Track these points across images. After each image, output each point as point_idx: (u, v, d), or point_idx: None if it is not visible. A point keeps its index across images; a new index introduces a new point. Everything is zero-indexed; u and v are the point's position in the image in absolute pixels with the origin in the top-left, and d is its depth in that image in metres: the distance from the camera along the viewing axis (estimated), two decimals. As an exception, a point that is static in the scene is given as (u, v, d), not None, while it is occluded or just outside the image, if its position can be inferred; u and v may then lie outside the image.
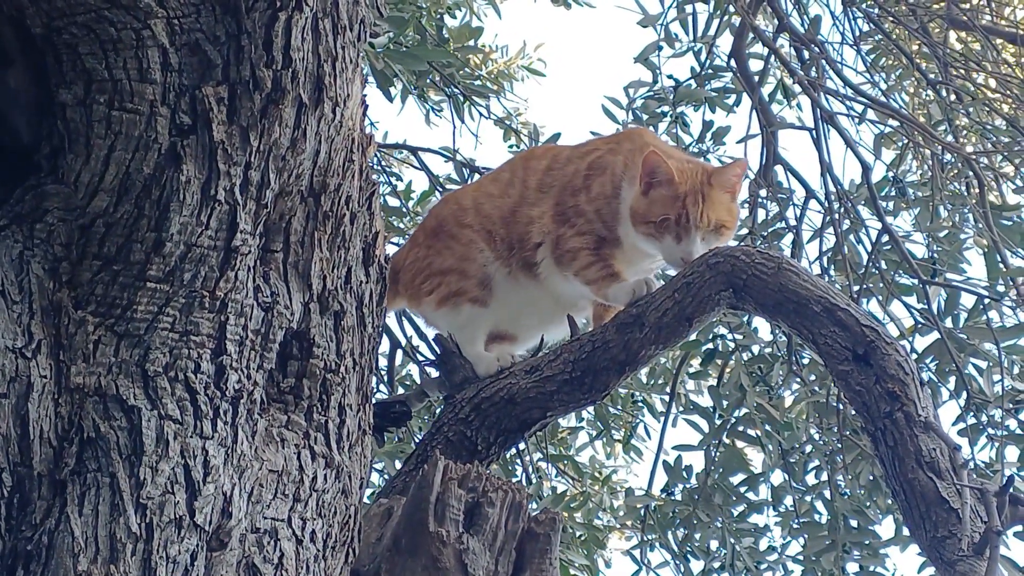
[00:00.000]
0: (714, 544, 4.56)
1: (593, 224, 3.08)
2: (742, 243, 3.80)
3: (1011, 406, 4.02)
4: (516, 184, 3.23)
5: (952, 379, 4.10)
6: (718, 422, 4.49)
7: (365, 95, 2.34)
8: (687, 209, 2.96)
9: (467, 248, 3.20)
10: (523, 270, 3.16)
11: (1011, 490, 2.47)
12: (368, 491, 3.25)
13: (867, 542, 4.31)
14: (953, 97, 4.84)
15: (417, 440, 3.91)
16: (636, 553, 4.67)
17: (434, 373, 3.25)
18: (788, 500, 4.52)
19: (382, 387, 4.56)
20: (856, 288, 4.21)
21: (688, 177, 2.99)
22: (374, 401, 2.62)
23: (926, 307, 4.13)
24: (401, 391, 4.44)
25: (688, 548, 4.60)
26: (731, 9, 4.70)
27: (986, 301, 4.07)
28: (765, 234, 4.50)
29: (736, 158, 4.62)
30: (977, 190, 4.46)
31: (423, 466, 2.34)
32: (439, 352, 3.14)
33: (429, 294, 3.21)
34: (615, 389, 3.14)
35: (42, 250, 2.02)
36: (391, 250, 4.07)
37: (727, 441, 4.53)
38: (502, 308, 3.20)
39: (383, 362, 4.57)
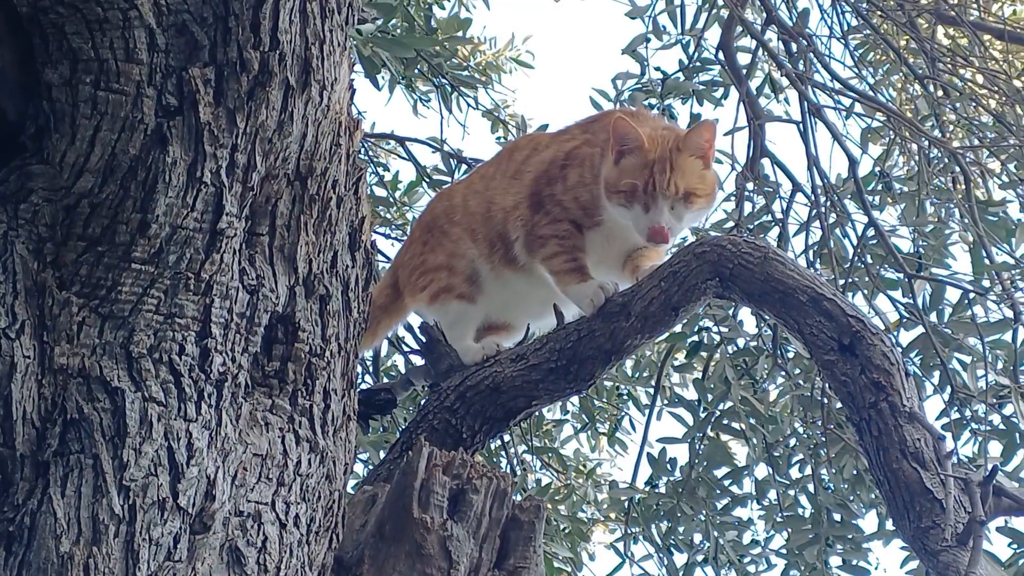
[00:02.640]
0: (697, 537, 4.56)
1: (570, 212, 3.05)
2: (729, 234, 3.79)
3: (995, 401, 4.03)
4: (498, 178, 3.23)
5: (936, 374, 4.11)
6: (703, 415, 4.49)
7: (352, 79, 2.33)
8: (654, 177, 2.92)
9: (456, 244, 3.20)
10: (507, 266, 3.15)
11: (994, 481, 2.47)
12: (352, 481, 3.24)
13: (850, 536, 4.32)
14: (940, 92, 4.85)
15: (401, 430, 3.91)
16: (620, 546, 4.67)
17: (419, 361, 3.25)
18: (772, 494, 4.53)
19: (367, 377, 4.55)
20: (842, 282, 4.21)
21: (658, 144, 2.95)
22: (359, 389, 2.62)
23: (911, 301, 4.14)
24: (386, 381, 4.43)
25: (672, 541, 4.60)
26: (719, 2, 4.70)
27: (971, 296, 4.08)
28: (751, 227, 4.50)
29: (724, 153, 4.65)
30: (963, 185, 4.47)
31: (408, 453, 2.33)
32: (424, 340, 3.13)
33: (422, 290, 3.21)
34: (600, 379, 3.13)
35: (26, 230, 2.01)
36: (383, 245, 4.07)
37: (711, 434, 4.53)
38: (491, 303, 3.19)
39: (368, 352, 4.56)
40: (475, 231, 3.18)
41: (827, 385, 4.00)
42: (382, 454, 4.20)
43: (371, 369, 4.56)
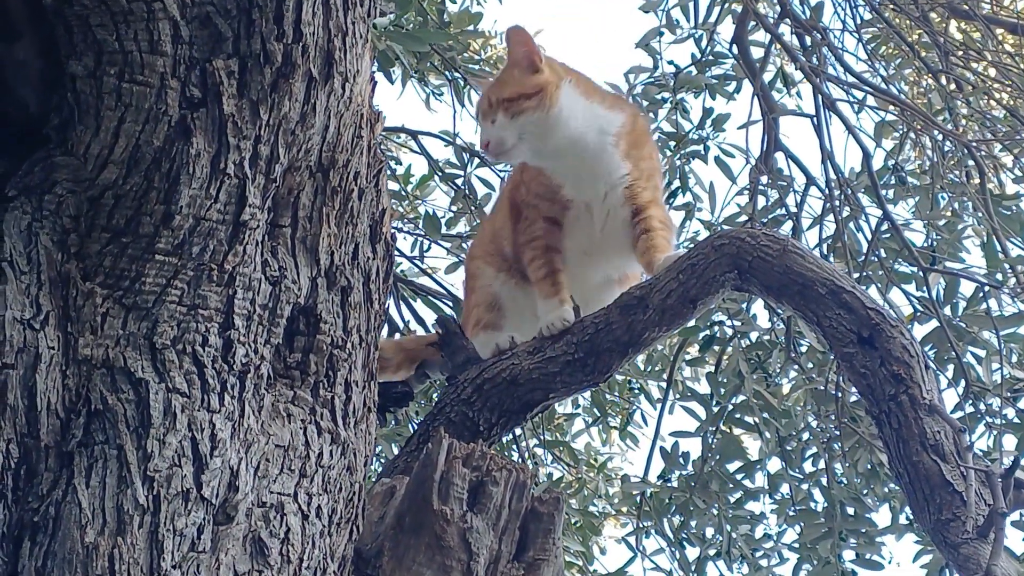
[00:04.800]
0: (710, 531, 4.57)
1: (539, 207, 3.05)
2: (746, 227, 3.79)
3: (1009, 394, 4.03)
4: (498, 204, 3.26)
5: (951, 367, 4.11)
6: (715, 409, 4.50)
7: (374, 71, 2.33)
8: (479, 104, 2.98)
9: (478, 278, 3.22)
10: (525, 280, 3.15)
11: (1015, 473, 2.46)
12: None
13: (864, 530, 4.32)
14: (953, 86, 4.85)
15: (417, 423, 3.90)
16: (632, 540, 4.68)
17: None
18: (785, 487, 4.53)
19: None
20: (856, 276, 4.21)
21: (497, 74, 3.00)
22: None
23: (925, 295, 4.14)
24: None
25: (684, 535, 4.61)
26: (733, -5, 4.70)
27: (985, 289, 4.08)
28: (765, 220, 4.50)
29: (738, 147, 4.65)
30: (977, 179, 4.46)
31: (426, 446, 2.33)
32: (441, 334, 3.13)
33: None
34: (617, 372, 3.13)
35: (51, 222, 2.02)
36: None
37: (724, 428, 4.54)
38: (517, 321, 3.17)
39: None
40: (490, 255, 3.19)
41: (844, 378, 4.01)
42: (395, 448, 4.21)
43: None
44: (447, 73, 4.94)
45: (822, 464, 4.46)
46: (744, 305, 4.46)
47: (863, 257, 4.31)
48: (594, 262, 3.07)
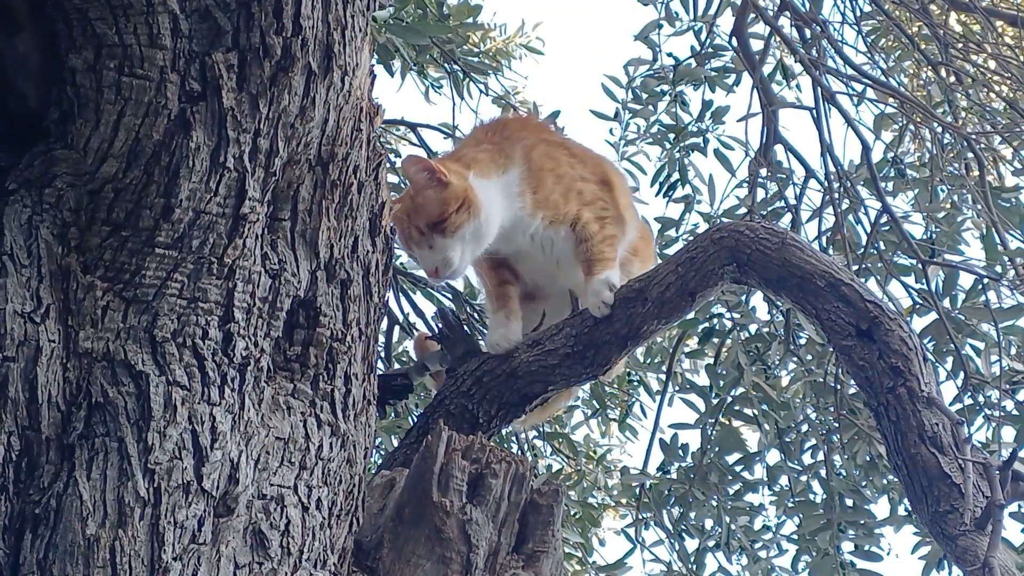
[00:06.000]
0: (709, 523, 4.57)
1: (482, 262, 3.11)
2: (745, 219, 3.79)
3: (1008, 386, 4.02)
4: None
5: (950, 359, 4.10)
6: (715, 401, 4.49)
7: (373, 64, 2.33)
8: (404, 235, 2.95)
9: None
10: (528, 301, 3.17)
11: (1013, 465, 2.47)
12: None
13: (862, 522, 4.32)
14: (953, 78, 4.84)
15: (415, 416, 3.91)
16: (631, 531, 4.68)
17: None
18: (784, 479, 4.53)
19: (379, 364, 4.55)
20: (855, 268, 4.21)
21: (403, 203, 2.94)
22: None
23: (924, 287, 4.14)
24: (397, 367, 4.44)
25: (683, 527, 4.60)
26: (732, -12, 4.69)
27: (985, 282, 4.08)
28: (764, 213, 4.50)
29: (737, 139, 4.65)
30: (976, 171, 4.46)
31: (425, 438, 2.34)
32: (440, 326, 3.14)
33: None
34: (616, 364, 3.14)
35: (51, 215, 2.02)
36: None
37: (723, 420, 4.53)
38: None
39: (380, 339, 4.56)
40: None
41: (843, 370, 4.01)
42: (395, 440, 4.21)
43: (383, 356, 4.57)
44: (446, 66, 4.94)
45: (821, 456, 4.45)
46: (743, 298, 4.46)
47: (862, 250, 4.31)
48: (565, 273, 3.09)
